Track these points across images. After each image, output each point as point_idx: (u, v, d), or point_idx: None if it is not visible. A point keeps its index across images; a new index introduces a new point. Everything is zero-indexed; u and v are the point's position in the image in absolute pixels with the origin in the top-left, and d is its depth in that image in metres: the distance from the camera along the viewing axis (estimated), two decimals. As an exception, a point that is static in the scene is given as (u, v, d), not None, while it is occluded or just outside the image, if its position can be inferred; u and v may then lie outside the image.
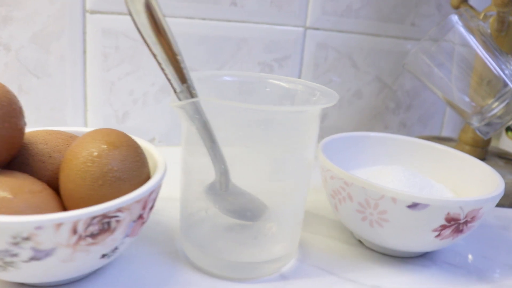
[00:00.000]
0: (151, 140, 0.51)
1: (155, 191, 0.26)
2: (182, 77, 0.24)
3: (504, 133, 0.59)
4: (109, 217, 0.23)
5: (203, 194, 0.29)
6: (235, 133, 0.26)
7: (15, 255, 0.22)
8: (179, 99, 0.25)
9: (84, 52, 0.46)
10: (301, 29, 0.52)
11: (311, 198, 0.41)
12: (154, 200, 0.27)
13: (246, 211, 0.30)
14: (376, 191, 0.29)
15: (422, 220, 0.29)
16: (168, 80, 0.24)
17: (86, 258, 0.24)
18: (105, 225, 0.23)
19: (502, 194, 0.31)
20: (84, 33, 0.45)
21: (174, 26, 0.47)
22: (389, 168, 0.37)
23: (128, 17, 0.46)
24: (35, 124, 0.47)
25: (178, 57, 0.23)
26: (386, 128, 0.59)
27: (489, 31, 0.45)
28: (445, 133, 0.62)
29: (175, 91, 0.25)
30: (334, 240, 0.35)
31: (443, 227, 0.30)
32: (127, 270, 0.29)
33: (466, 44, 0.44)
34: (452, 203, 0.28)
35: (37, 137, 0.29)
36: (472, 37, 0.44)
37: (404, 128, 0.60)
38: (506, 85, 0.43)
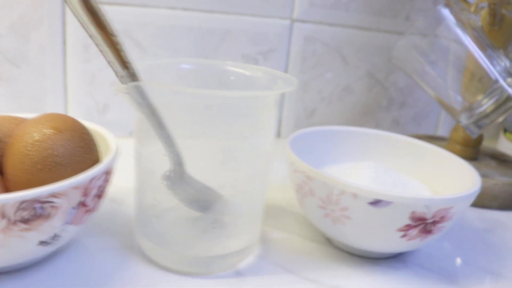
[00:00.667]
0: (131, 133, 0.50)
1: (97, 178, 0.25)
2: (123, 61, 0.23)
3: (502, 134, 0.57)
4: (42, 202, 0.22)
5: (157, 184, 0.28)
6: (183, 120, 0.25)
7: None
8: (122, 84, 0.24)
9: (64, 42, 0.46)
10: (287, 21, 0.50)
11: (282, 192, 0.40)
12: (101, 187, 0.26)
13: (201, 202, 0.29)
14: (336, 186, 0.28)
15: (385, 219, 0.28)
16: (109, 63, 0.23)
17: (22, 245, 0.23)
18: (38, 210, 0.22)
19: (474, 194, 0.29)
20: (64, 23, 0.45)
21: (155, 17, 0.47)
22: (364, 164, 0.36)
23: (111, 7, 0.45)
24: (16, 113, 0.47)
25: (114, 38, 0.22)
26: (377, 126, 0.57)
27: (480, 24, 0.43)
28: (440, 133, 0.60)
29: (117, 75, 0.24)
30: (301, 237, 0.34)
31: (409, 226, 0.28)
32: (77, 260, 0.28)
33: (457, 39, 0.43)
34: (417, 201, 0.27)
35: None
36: (462, 31, 0.42)
37: (397, 126, 0.58)
38: (496, 81, 0.41)
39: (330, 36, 0.52)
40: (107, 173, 0.26)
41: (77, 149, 0.25)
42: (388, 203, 0.27)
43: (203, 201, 0.29)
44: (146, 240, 0.29)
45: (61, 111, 0.48)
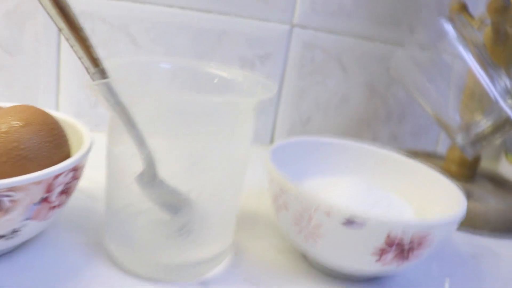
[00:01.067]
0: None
1: (64, 175, 0.25)
2: (92, 57, 0.23)
3: (504, 156, 0.56)
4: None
5: (128, 185, 0.28)
6: (153, 120, 0.25)
7: None
8: (93, 81, 0.24)
9: (60, 33, 0.46)
10: (287, 26, 0.50)
11: (262, 201, 0.39)
12: (69, 184, 0.26)
13: (172, 206, 0.28)
14: (310, 202, 0.27)
15: (359, 241, 0.27)
16: (79, 59, 0.23)
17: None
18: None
19: (456, 221, 0.28)
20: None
21: (152, 13, 0.46)
22: (348, 179, 0.35)
23: (107, 1, 0.45)
24: (5, 100, 0.47)
25: (82, 34, 0.22)
26: (374, 139, 0.56)
27: (483, 41, 0.42)
28: (440, 150, 0.58)
29: (88, 72, 0.23)
30: (276, 250, 0.33)
31: (383, 251, 0.27)
32: (40, 256, 0.28)
33: (457, 54, 0.42)
34: (394, 224, 0.26)
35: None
36: (464, 47, 0.41)
37: (394, 141, 0.57)
38: (496, 101, 0.40)
39: (330, 43, 0.51)
40: (75, 169, 0.26)
41: (45, 144, 0.25)
42: (362, 224, 0.26)
43: (174, 205, 0.28)
44: (113, 241, 0.28)
45: (52, 102, 0.48)
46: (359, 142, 0.38)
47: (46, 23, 0.45)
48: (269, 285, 0.29)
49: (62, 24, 0.21)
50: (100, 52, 0.47)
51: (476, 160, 0.46)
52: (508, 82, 0.40)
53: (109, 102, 0.24)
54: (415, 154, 0.52)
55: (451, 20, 0.41)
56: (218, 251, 0.30)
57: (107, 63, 0.27)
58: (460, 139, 0.41)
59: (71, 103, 0.48)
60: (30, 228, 0.25)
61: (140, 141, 0.26)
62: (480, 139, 0.41)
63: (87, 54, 0.22)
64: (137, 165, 0.27)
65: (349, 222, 0.26)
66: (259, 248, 0.33)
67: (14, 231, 0.24)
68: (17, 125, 0.24)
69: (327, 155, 0.38)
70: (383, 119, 0.56)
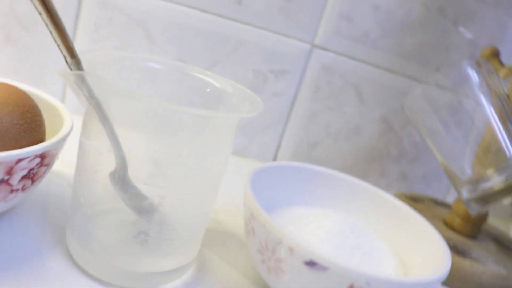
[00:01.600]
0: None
1: (27, 160, 0.24)
2: (69, 47, 0.22)
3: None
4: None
5: (98, 181, 0.27)
6: (122, 120, 0.24)
7: None
8: (70, 70, 0.23)
9: (77, 16, 0.46)
10: (307, 45, 0.49)
11: (240, 220, 0.37)
12: (34, 170, 0.26)
13: (139, 211, 0.27)
14: (274, 234, 0.26)
15: (320, 284, 0.25)
16: (58, 46, 0.22)
17: None
18: None
19: (432, 283, 0.26)
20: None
21: (171, 12, 0.46)
22: (333, 214, 0.33)
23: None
24: (14, 75, 0.48)
25: (59, 22, 0.21)
26: (382, 175, 0.54)
27: (507, 92, 0.40)
28: (450, 199, 0.55)
29: (66, 61, 0.23)
30: (241, 274, 0.31)
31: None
32: (-3, 238, 0.27)
33: (477, 102, 0.39)
34: (357, 274, 0.24)
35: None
36: (485, 96, 0.39)
37: (404, 180, 0.55)
38: (510, 158, 0.38)
39: (349, 70, 0.50)
40: (43, 156, 0.26)
41: (15, 126, 0.25)
42: (324, 268, 0.24)
43: (140, 210, 0.28)
44: (74, 237, 0.28)
45: (59, 83, 0.48)
46: (354, 177, 0.37)
47: (65, 5, 0.45)
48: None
49: (40, 9, 0.21)
50: (113, 42, 0.47)
51: (483, 217, 0.43)
52: (527, 141, 0.38)
53: (84, 95, 0.24)
54: (421, 198, 0.50)
55: (477, 65, 0.39)
56: (179, 265, 0.29)
57: (96, 55, 0.27)
58: (465, 192, 0.39)
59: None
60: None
61: (113, 139, 0.25)
62: (487, 196, 0.38)
63: (64, 43, 0.22)
64: (109, 162, 0.26)
65: (312, 263, 0.24)
66: (224, 268, 0.31)
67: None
68: (-12, 102, 0.24)
69: (318, 185, 0.36)
70: (394, 157, 0.54)
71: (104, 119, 0.24)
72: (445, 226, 0.44)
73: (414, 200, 0.48)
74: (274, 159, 0.53)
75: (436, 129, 0.41)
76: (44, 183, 0.33)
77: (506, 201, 0.38)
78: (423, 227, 0.33)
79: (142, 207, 0.27)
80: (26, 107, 0.26)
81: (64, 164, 0.33)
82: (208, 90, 0.31)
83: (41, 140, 0.27)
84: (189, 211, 0.27)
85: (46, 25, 0.22)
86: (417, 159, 0.54)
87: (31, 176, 0.26)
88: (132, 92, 0.22)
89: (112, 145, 0.25)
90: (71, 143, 0.29)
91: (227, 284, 0.30)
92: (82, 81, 0.23)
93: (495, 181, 0.38)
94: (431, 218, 0.44)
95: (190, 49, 0.47)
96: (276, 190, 0.34)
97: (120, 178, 0.27)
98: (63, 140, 0.27)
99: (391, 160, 0.54)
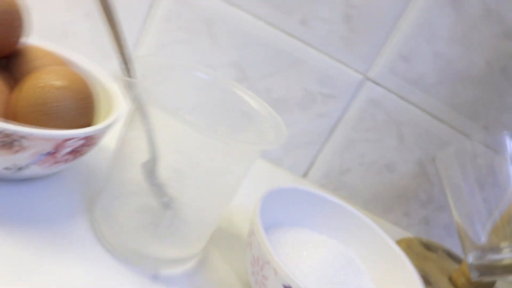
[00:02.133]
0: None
1: (74, 140, 0.29)
2: (124, 55, 0.26)
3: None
4: (11, 138, 0.26)
5: (133, 167, 0.31)
6: (156, 125, 0.28)
7: None
8: (124, 74, 0.27)
9: (151, 6, 0.50)
10: (360, 76, 0.50)
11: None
12: (78, 148, 0.30)
13: (163, 200, 0.31)
14: (265, 254, 0.28)
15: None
16: (115, 51, 0.26)
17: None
18: (6, 142, 0.27)
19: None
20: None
21: (238, 18, 0.49)
22: (330, 242, 0.35)
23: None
24: (90, 48, 0.53)
25: (119, 33, 0.25)
26: (405, 215, 0.55)
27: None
28: (469, 256, 0.55)
29: (120, 65, 0.27)
30: (236, 277, 0.35)
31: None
32: (38, 193, 0.32)
33: (507, 174, 0.39)
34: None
35: (38, 53, 0.34)
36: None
37: (426, 225, 0.55)
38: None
39: (396, 108, 0.51)
40: (87, 139, 0.30)
41: (71, 110, 0.29)
42: (298, 294, 0.27)
43: (158, 201, 0.31)
44: (100, 210, 0.32)
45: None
46: (361, 213, 0.38)
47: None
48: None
49: (104, 20, 0.25)
50: (179, 36, 0.51)
51: (490, 284, 0.44)
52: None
53: (130, 97, 0.28)
54: (435, 247, 0.50)
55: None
56: (182, 256, 0.32)
57: (150, 61, 0.31)
58: (472, 257, 0.39)
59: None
60: (33, 171, 0.30)
61: (150, 137, 0.29)
62: (493, 268, 0.39)
63: (120, 51, 0.26)
64: (144, 154, 0.30)
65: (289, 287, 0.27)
66: (223, 267, 0.35)
67: (19, 169, 0.29)
68: (54, 85, 0.29)
69: (327, 213, 0.38)
70: (421, 201, 0.54)
71: (144, 120, 0.28)
72: (450, 281, 0.45)
73: (427, 248, 0.49)
74: (305, 175, 0.55)
75: (461, 188, 0.41)
76: (87, 156, 0.38)
77: (509, 277, 0.38)
78: (412, 279, 0.34)
79: (160, 200, 0.31)
80: (83, 95, 0.30)
81: (111, 140, 0.37)
82: (244, 108, 0.34)
83: (89, 124, 0.31)
84: (198, 214, 0.31)
85: (108, 32, 0.26)
86: (443, 209, 0.54)
87: (74, 153, 0.30)
88: (165, 107, 0.26)
89: (148, 142, 0.29)
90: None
91: (221, 283, 0.33)
92: (129, 87, 0.27)
93: (506, 255, 0.38)
94: (438, 270, 0.45)
95: (249, 56, 0.50)
96: (287, 210, 0.37)
97: (150, 170, 0.31)
98: (106, 128, 0.31)
99: (417, 203, 0.54)
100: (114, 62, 0.29)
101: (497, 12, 0.47)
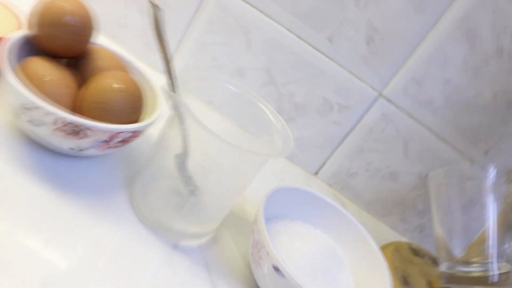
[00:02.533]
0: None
1: (125, 133, 0.37)
2: (170, 73, 0.34)
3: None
4: (78, 128, 0.35)
5: (168, 157, 0.40)
6: (190, 130, 0.36)
7: (25, 117, 0.35)
8: (170, 89, 0.35)
9: (197, 10, 0.58)
10: (375, 93, 0.56)
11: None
12: (126, 138, 0.38)
13: (189, 186, 0.39)
14: (263, 240, 0.37)
15: (279, 285, 0.36)
16: (166, 73, 0.34)
17: (61, 141, 0.36)
18: (74, 130, 0.35)
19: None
20: (209, -4, 0.57)
21: (273, 30, 0.56)
22: (321, 236, 0.43)
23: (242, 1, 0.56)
24: (145, 44, 0.61)
25: (168, 56, 0.33)
26: (402, 221, 0.62)
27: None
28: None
29: (167, 82, 0.35)
30: (241, 257, 0.43)
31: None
32: (91, 167, 0.41)
33: (487, 202, 0.46)
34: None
35: (101, 54, 0.42)
36: (494, 200, 0.45)
37: (419, 233, 0.62)
38: (491, 258, 0.44)
39: (405, 125, 0.57)
40: (135, 132, 0.38)
41: (125, 109, 0.38)
42: (282, 275, 0.35)
43: (190, 186, 0.40)
44: (137, 185, 0.41)
45: (185, 55, 0.61)
46: (354, 218, 0.46)
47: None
48: (218, 277, 0.40)
49: (157, 43, 0.33)
50: (218, 38, 0.58)
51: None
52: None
53: (172, 106, 0.36)
54: (422, 253, 0.57)
55: (499, 169, 0.45)
56: (199, 232, 0.41)
57: (190, 75, 0.39)
58: (444, 266, 0.46)
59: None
60: (90, 152, 0.38)
61: (184, 138, 0.37)
62: (460, 278, 0.45)
63: (167, 70, 0.34)
64: (178, 148, 0.38)
65: (276, 268, 0.35)
66: (230, 245, 0.43)
67: (80, 150, 0.38)
68: (113, 87, 0.37)
69: (324, 212, 0.46)
70: (418, 211, 0.61)
71: (181, 124, 0.36)
72: (428, 285, 0.52)
73: (414, 253, 0.56)
74: (316, 173, 0.63)
75: (446, 206, 0.48)
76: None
77: (472, 289, 0.45)
78: (385, 276, 0.42)
79: (187, 187, 0.39)
80: (135, 97, 0.38)
81: (154, 132, 0.45)
82: (263, 119, 0.41)
83: (137, 120, 0.39)
84: (215, 202, 0.39)
85: (159, 54, 0.34)
86: (437, 221, 0.60)
87: (123, 141, 0.39)
88: (197, 120, 0.33)
89: (182, 141, 0.37)
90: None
91: (227, 258, 0.42)
92: (171, 98, 0.35)
93: (475, 269, 0.45)
94: (420, 274, 0.52)
95: (277, 63, 0.58)
96: (290, 205, 0.45)
97: (181, 161, 0.39)
98: (150, 124, 0.40)
99: (414, 212, 0.61)
100: (158, 55, 0.37)
101: (509, 51, 0.52)
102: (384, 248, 0.54)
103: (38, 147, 0.39)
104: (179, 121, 0.36)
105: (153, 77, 0.44)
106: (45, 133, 0.36)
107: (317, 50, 0.56)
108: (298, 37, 0.56)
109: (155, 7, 0.31)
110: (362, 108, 0.58)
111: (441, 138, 0.57)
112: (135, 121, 0.39)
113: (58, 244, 0.33)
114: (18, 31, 0.39)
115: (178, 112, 0.36)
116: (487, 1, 0.50)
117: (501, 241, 0.44)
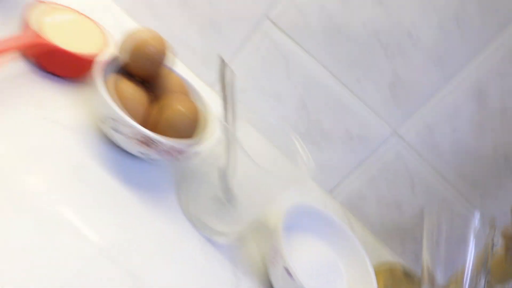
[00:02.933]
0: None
1: (183, 148, 0.48)
2: (226, 114, 0.45)
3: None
4: (150, 141, 0.46)
5: (213, 165, 0.50)
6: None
7: (109, 124, 0.46)
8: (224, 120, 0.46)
9: (249, 37, 0.68)
10: (390, 130, 0.66)
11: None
12: (183, 151, 0.49)
13: (227, 195, 0.50)
14: (278, 245, 0.47)
15: (288, 285, 0.46)
16: (223, 110, 0.45)
17: (133, 147, 0.47)
18: (145, 141, 0.46)
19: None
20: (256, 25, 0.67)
21: (309, 62, 0.65)
22: (329, 250, 0.54)
23: (281, 33, 0.66)
24: (204, 60, 0.71)
25: (227, 96, 0.44)
26: (401, 246, 0.71)
27: (494, 250, 0.54)
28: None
29: (223, 112, 0.46)
30: (260, 258, 0.54)
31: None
32: (153, 170, 0.52)
33: (468, 241, 0.55)
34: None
35: (170, 77, 0.53)
36: (476, 241, 0.54)
37: (416, 258, 0.71)
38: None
39: (413, 163, 0.66)
40: (189, 146, 0.49)
41: (186, 128, 0.48)
42: (291, 276, 0.45)
43: (228, 195, 0.50)
44: (183, 186, 0.52)
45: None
46: (358, 240, 0.55)
47: (246, 22, 0.67)
48: (240, 271, 0.50)
49: (221, 88, 0.43)
50: (260, 63, 0.68)
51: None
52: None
53: (223, 131, 0.46)
54: (413, 276, 0.67)
55: (482, 215, 0.54)
56: (230, 232, 0.52)
57: (239, 113, 0.49)
58: (425, 289, 0.56)
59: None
60: (154, 157, 0.49)
61: (230, 155, 0.48)
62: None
63: (226, 116, 0.44)
64: (222, 162, 0.49)
65: (287, 269, 0.46)
66: (253, 248, 0.54)
67: (148, 155, 0.48)
68: (178, 110, 0.48)
69: (334, 230, 0.56)
70: (416, 238, 0.70)
71: (229, 147, 0.47)
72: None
73: (406, 275, 0.65)
74: (331, 191, 0.73)
75: (435, 239, 0.57)
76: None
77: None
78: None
79: (226, 196, 0.50)
80: (194, 118, 0.49)
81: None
82: (292, 149, 0.52)
83: (193, 136, 0.50)
84: (247, 211, 0.50)
85: (223, 103, 0.44)
86: (431, 248, 0.70)
87: (180, 152, 0.50)
88: (243, 149, 0.44)
89: (227, 159, 0.48)
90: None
91: (249, 257, 0.52)
92: (223, 127, 0.45)
93: (451, 296, 0.55)
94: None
95: (311, 93, 0.68)
96: (306, 219, 0.55)
97: (223, 173, 0.49)
98: (204, 141, 0.50)
99: (412, 239, 0.70)
100: (212, 73, 0.47)
101: (512, 111, 0.61)
102: (380, 266, 0.64)
103: (114, 146, 0.50)
104: (227, 143, 0.46)
105: (208, 99, 0.55)
106: (122, 139, 0.47)
107: (346, 87, 0.66)
108: (332, 74, 0.66)
109: (223, 63, 0.41)
110: (378, 142, 0.67)
111: (444, 178, 0.66)
112: (191, 137, 0.50)
113: (119, 225, 0.44)
114: (108, 52, 0.50)
115: (228, 138, 0.46)
116: (498, 67, 0.59)
117: (475, 278, 0.53)
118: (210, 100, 0.54)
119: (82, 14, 0.55)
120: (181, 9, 0.67)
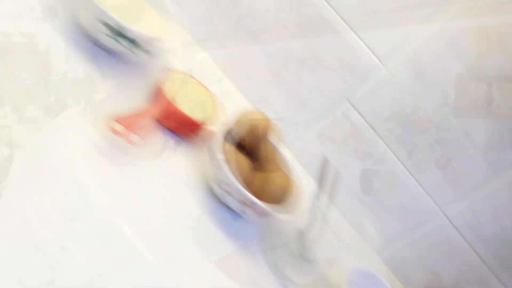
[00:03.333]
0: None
1: (277, 215, 0.61)
2: (319, 194, 0.58)
3: None
4: (249, 202, 0.59)
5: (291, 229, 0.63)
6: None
7: (222, 187, 0.60)
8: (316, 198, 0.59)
9: (327, 114, 0.81)
10: (440, 212, 0.78)
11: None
12: (274, 215, 0.63)
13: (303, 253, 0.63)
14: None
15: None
16: (318, 190, 0.58)
17: (235, 204, 0.61)
18: (246, 202, 0.60)
19: None
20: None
21: (377, 142, 0.78)
22: None
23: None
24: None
25: (324, 189, 0.57)
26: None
27: None
28: None
29: (315, 193, 0.59)
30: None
31: None
32: (243, 227, 0.65)
33: None
34: None
35: (269, 150, 0.67)
36: None
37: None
38: None
39: (455, 241, 0.78)
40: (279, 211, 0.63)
41: (281, 196, 0.62)
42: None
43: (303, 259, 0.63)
44: (269, 247, 0.65)
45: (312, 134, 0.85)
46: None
47: (327, 104, 0.81)
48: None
49: (319, 179, 0.56)
50: (331, 140, 0.81)
51: None
52: None
53: (313, 207, 0.60)
54: None
55: None
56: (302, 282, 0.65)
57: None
58: None
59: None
60: (250, 217, 0.63)
61: (312, 225, 0.61)
62: None
63: (319, 192, 0.57)
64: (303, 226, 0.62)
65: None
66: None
67: (244, 213, 0.62)
68: (276, 181, 0.62)
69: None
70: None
71: (312, 219, 0.60)
72: None
73: None
74: (378, 253, 0.85)
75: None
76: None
77: None
78: None
79: (301, 252, 0.63)
80: (287, 189, 0.62)
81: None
82: (361, 225, 0.64)
83: (283, 202, 0.63)
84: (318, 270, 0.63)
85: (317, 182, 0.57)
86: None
87: (263, 213, 0.63)
88: (327, 225, 0.57)
89: (310, 226, 0.61)
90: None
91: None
92: (315, 205, 0.59)
93: None
94: None
95: (372, 169, 0.80)
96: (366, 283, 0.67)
97: (301, 235, 0.62)
98: (292, 209, 0.63)
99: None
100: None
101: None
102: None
103: (217, 200, 0.64)
104: (313, 215, 0.60)
105: (298, 172, 0.68)
106: (228, 198, 0.61)
107: (408, 170, 0.78)
108: (396, 155, 0.78)
109: (325, 160, 0.55)
110: (427, 220, 0.79)
111: (482, 259, 0.77)
112: (282, 203, 0.63)
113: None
114: (220, 122, 0.65)
115: (316, 215, 0.59)
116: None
117: None
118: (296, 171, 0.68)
119: (202, 84, 0.70)
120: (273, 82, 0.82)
